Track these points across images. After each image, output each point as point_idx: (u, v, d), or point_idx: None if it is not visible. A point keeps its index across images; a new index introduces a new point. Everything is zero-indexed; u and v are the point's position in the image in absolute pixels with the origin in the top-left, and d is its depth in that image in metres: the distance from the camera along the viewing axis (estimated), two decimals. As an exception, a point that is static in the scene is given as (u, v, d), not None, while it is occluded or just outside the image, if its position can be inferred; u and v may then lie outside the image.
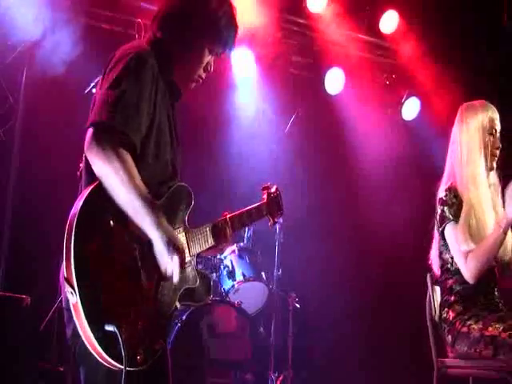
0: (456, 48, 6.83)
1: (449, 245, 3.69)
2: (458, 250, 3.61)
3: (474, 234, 3.61)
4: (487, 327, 3.52)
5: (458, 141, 3.80)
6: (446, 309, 3.73)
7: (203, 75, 2.81)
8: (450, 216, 3.65)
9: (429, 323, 3.88)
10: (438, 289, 3.95)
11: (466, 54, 6.87)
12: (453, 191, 3.70)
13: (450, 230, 3.66)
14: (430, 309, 3.89)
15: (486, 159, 3.76)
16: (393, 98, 7.01)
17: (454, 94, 6.50)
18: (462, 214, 3.63)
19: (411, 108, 7.00)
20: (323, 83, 6.70)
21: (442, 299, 3.80)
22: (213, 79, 3.10)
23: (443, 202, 3.70)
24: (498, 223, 3.52)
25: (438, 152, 6.63)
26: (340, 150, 6.87)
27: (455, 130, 3.85)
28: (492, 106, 3.84)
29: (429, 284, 3.94)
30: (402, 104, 6.96)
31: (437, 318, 3.85)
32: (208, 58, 2.78)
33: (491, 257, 3.57)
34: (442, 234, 3.72)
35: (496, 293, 3.74)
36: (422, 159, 6.81)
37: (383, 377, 6.37)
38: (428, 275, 3.96)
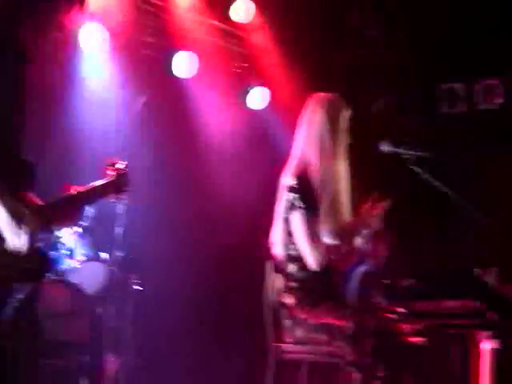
0: (305, 42, 7.02)
1: (295, 232, 3.78)
2: (305, 238, 3.71)
3: (330, 224, 3.72)
4: (324, 315, 3.66)
5: (311, 131, 3.88)
6: (285, 294, 3.83)
7: None
8: (300, 204, 3.74)
9: (267, 308, 3.96)
10: (277, 274, 4.05)
11: (314, 48, 7.08)
12: (304, 179, 3.79)
13: (298, 218, 3.74)
14: (269, 293, 3.98)
15: (339, 151, 3.88)
16: (242, 86, 7.08)
17: (301, 87, 6.69)
18: (321, 205, 3.73)
19: (260, 97, 7.09)
20: (174, 66, 6.66)
21: (282, 285, 3.88)
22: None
23: (292, 190, 3.77)
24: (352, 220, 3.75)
25: (284, 141, 6.85)
26: (188, 135, 6.87)
27: (307, 119, 3.93)
28: (342, 99, 3.95)
29: (269, 269, 4.03)
30: (251, 92, 7.03)
31: (275, 304, 3.94)
32: None
33: (340, 248, 3.78)
34: (287, 220, 3.80)
35: (334, 281, 3.89)
36: (268, 148, 6.95)
37: (221, 360, 6.48)
38: (268, 260, 4.03)
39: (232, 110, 7.05)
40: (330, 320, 3.64)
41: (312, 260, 3.73)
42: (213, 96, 6.91)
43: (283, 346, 3.87)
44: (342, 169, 3.88)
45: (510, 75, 7.24)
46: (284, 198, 3.82)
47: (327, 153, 3.83)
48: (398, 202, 4.02)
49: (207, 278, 6.75)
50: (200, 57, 6.68)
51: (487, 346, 4.92)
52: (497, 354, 4.88)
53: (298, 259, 3.83)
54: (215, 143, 6.88)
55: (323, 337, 3.66)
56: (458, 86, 7.18)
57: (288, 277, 3.86)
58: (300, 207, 3.74)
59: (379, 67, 7.16)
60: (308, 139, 3.90)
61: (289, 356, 3.87)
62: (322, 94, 3.98)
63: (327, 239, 3.68)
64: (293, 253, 3.85)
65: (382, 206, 3.86)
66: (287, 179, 3.85)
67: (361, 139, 4.08)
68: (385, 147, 3.83)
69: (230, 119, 6.99)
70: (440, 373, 3.70)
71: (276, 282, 4.01)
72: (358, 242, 3.92)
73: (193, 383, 6.36)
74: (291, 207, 3.77)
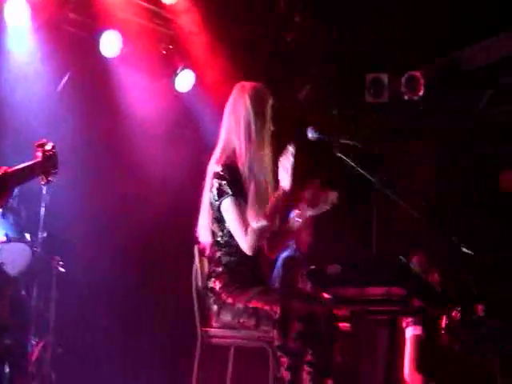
0: (231, 27, 7.02)
1: (226, 219, 3.80)
2: (238, 223, 3.74)
3: (257, 209, 3.76)
4: (251, 299, 3.70)
5: (236, 119, 3.90)
6: (212, 279, 3.85)
7: None
8: (230, 191, 3.76)
9: (194, 293, 3.99)
10: (205, 259, 4.07)
11: (241, 33, 7.08)
12: (231, 167, 3.82)
13: (228, 204, 3.77)
14: (196, 279, 4.01)
15: (264, 138, 3.91)
16: (168, 68, 7.02)
17: (228, 71, 6.70)
18: (244, 191, 3.77)
19: (186, 80, 7.06)
20: (99, 45, 6.55)
21: (209, 270, 3.91)
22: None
23: (220, 177, 3.79)
24: (274, 196, 3.75)
25: (210, 125, 6.85)
26: (112, 117, 6.78)
27: (232, 108, 3.94)
28: (266, 88, 3.99)
29: (196, 254, 4.05)
30: (178, 75, 6.99)
31: (202, 289, 3.96)
32: None
33: (270, 228, 3.78)
34: (217, 208, 3.81)
35: (262, 267, 3.93)
36: (193, 132, 6.94)
37: (148, 344, 6.47)
38: (196, 246, 4.06)
39: (159, 91, 6.98)
40: (257, 304, 3.68)
41: (245, 245, 3.75)
42: (139, 77, 6.83)
43: (210, 330, 3.89)
44: (268, 156, 3.91)
45: (430, 68, 7.44)
46: (212, 185, 3.83)
47: (252, 140, 3.85)
48: (324, 188, 4.08)
49: (134, 261, 6.71)
50: (126, 37, 6.58)
51: (411, 331, 5.11)
52: (420, 339, 5.07)
53: (225, 245, 3.86)
54: (141, 125, 6.81)
55: (251, 321, 3.69)
56: (383, 76, 7.32)
57: (215, 262, 3.88)
58: (229, 194, 3.76)
59: (307, 54, 7.21)
60: (233, 127, 3.92)
61: (216, 341, 3.90)
62: (247, 83, 4.01)
63: (254, 224, 3.71)
64: (220, 239, 3.87)
65: (328, 195, 3.95)
66: (214, 167, 3.87)
67: (287, 126, 4.12)
68: (311, 134, 3.90)
69: (156, 101, 6.92)
70: (367, 357, 3.79)
71: (203, 266, 4.04)
72: (295, 225, 3.98)
73: (118, 367, 6.34)
74: (220, 194, 3.78)
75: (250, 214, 3.73)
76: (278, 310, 3.60)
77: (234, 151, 3.87)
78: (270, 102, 3.95)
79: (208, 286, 3.86)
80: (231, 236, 3.82)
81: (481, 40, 7.39)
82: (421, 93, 7.36)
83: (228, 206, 3.77)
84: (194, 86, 7.07)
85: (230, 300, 3.76)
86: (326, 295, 3.86)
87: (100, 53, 6.56)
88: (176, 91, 7.06)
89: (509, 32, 7.23)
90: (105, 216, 6.56)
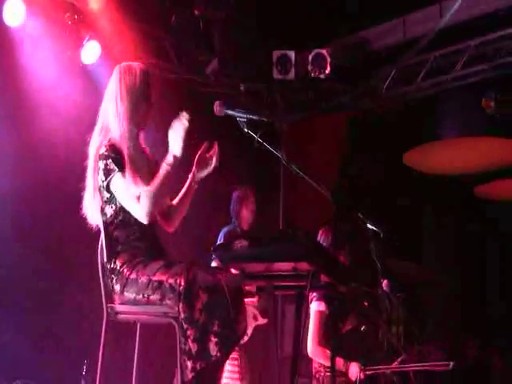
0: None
1: (117, 195, 3.82)
2: (129, 195, 3.76)
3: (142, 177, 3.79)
4: (154, 273, 3.68)
5: (111, 96, 3.94)
6: (113, 259, 3.83)
7: None
8: (116, 167, 3.78)
9: (100, 270, 3.93)
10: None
11: (149, 4, 7.00)
12: (113, 145, 3.84)
13: (116, 180, 3.79)
14: (102, 256, 3.95)
15: (136, 116, 3.94)
16: (74, 39, 6.84)
17: (133, 44, 6.61)
18: (128, 165, 3.79)
19: (92, 51, 6.91)
20: (2, 13, 6.34)
21: (108, 251, 3.87)
22: None
23: (106, 157, 3.80)
24: (165, 161, 3.77)
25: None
26: (16, 90, 6.56)
27: (113, 88, 3.96)
28: (143, 66, 4.04)
29: (102, 231, 3.98)
30: (84, 46, 6.83)
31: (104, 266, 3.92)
32: None
33: (163, 193, 3.83)
34: (106, 187, 3.82)
35: (160, 240, 3.96)
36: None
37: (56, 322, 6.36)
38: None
39: (64, 62, 6.81)
40: (161, 277, 3.66)
41: (139, 212, 3.75)
42: (45, 47, 6.64)
43: (115, 306, 3.84)
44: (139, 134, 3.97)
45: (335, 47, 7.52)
46: (98, 167, 3.84)
47: (121, 117, 3.88)
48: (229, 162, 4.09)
49: (41, 241, 6.55)
50: (30, 5, 6.39)
51: (315, 306, 5.17)
52: (323, 315, 5.14)
53: (119, 223, 3.86)
54: (47, 100, 6.62)
55: (156, 295, 3.67)
56: (290, 53, 7.35)
57: (113, 242, 3.86)
58: (115, 170, 3.77)
59: (215, 28, 7.17)
60: (107, 105, 3.97)
61: (121, 317, 3.86)
62: (123, 64, 4.04)
63: (143, 189, 3.72)
64: (113, 219, 3.87)
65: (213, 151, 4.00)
66: (96, 147, 3.89)
67: (195, 101, 4.11)
68: (219, 109, 3.90)
69: (62, 73, 6.75)
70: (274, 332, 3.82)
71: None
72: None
73: (28, 345, 6.20)
74: (107, 173, 3.80)
75: (136, 182, 3.75)
76: (182, 281, 3.58)
77: (109, 129, 3.92)
78: (145, 80, 3.97)
79: (109, 267, 3.83)
80: (125, 212, 3.82)
81: (387, 20, 7.53)
82: (327, 71, 7.42)
83: (116, 182, 3.79)
84: (100, 57, 6.93)
85: (133, 275, 3.73)
86: (233, 270, 3.87)
87: (2, 21, 6.35)
88: (83, 63, 6.91)
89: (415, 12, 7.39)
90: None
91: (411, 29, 7.35)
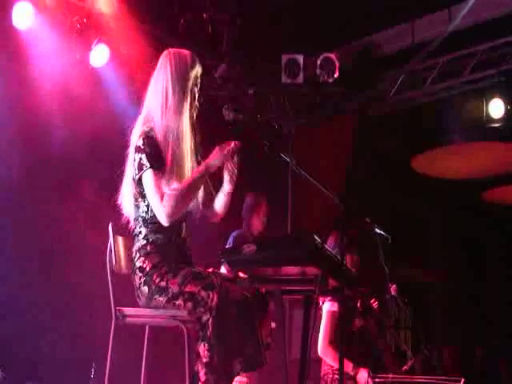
0: (149, 4, 6.93)
1: (146, 191, 3.71)
2: (155, 193, 3.65)
3: (175, 179, 3.69)
4: (186, 284, 3.60)
5: (159, 85, 3.79)
6: (142, 258, 3.72)
7: None
8: (148, 164, 3.67)
9: (109, 273, 3.91)
10: (120, 238, 4.01)
11: (158, 7, 7.01)
12: (151, 138, 3.71)
13: (147, 176, 3.68)
14: (111, 258, 3.93)
15: (191, 109, 3.84)
16: (83, 42, 6.86)
17: (143, 47, 6.62)
18: (169, 162, 3.68)
19: (101, 54, 6.92)
20: (11, 16, 6.36)
21: (136, 247, 3.77)
22: None
23: (140, 150, 3.70)
24: (198, 169, 3.73)
25: (124, 99, 6.75)
26: (25, 93, 6.58)
27: (157, 74, 3.83)
28: (194, 56, 3.85)
29: (110, 232, 3.97)
30: (93, 49, 6.85)
31: (124, 268, 3.92)
32: None
33: (187, 198, 3.72)
34: (138, 181, 3.73)
35: (187, 243, 3.87)
36: (109, 106, 6.80)
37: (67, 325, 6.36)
38: (110, 224, 3.98)
39: (72, 65, 6.83)
40: (193, 289, 3.57)
41: (161, 213, 3.65)
42: (54, 51, 6.65)
43: (124, 309, 3.84)
44: (187, 127, 3.82)
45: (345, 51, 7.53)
46: (134, 159, 3.74)
47: (169, 107, 3.76)
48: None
49: (46, 238, 6.56)
50: (39, 9, 6.41)
51: (328, 306, 5.17)
52: (336, 315, 5.14)
53: (150, 221, 3.75)
54: (55, 100, 6.64)
55: (187, 305, 3.59)
56: (299, 57, 7.35)
57: (141, 239, 3.76)
58: (147, 167, 3.66)
59: (224, 32, 7.17)
60: (153, 94, 3.82)
61: (130, 320, 3.85)
62: (173, 49, 3.90)
63: (168, 190, 3.64)
64: (145, 214, 3.77)
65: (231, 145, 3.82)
66: (135, 138, 3.76)
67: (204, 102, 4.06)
68: (227, 113, 3.86)
69: (70, 75, 6.76)
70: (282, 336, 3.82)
71: (118, 245, 3.97)
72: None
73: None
74: (140, 168, 3.69)
75: (166, 182, 3.66)
76: (215, 297, 3.51)
77: (152, 120, 3.76)
78: (196, 69, 3.83)
79: (136, 264, 3.73)
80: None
81: (394, 25, 7.53)
82: (336, 75, 7.43)
83: (146, 179, 3.68)
84: (109, 60, 6.95)
85: (163, 283, 3.64)
86: (242, 275, 3.85)
87: (12, 24, 6.37)
88: (92, 66, 6.93)
89: (422, 18, 7.39)
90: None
91: (420, 33, 7.36)
